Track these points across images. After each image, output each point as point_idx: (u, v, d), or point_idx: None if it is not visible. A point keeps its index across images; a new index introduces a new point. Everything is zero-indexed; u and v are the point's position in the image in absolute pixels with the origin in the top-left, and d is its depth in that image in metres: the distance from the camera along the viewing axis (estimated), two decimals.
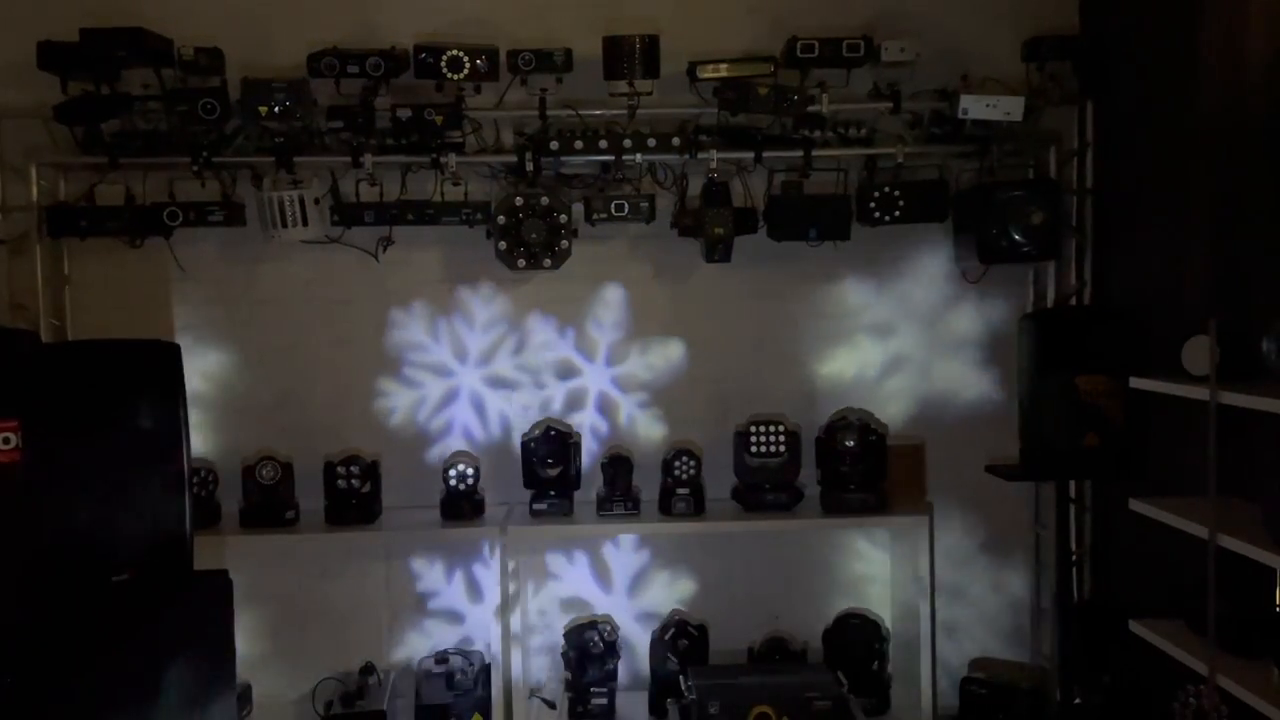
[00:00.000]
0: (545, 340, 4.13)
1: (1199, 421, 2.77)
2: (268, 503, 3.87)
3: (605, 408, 4.15)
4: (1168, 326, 3.31)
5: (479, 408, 4.13)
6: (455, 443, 4.12)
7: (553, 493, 3.91)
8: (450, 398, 4.13)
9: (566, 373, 4.14)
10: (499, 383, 4.13)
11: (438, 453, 4.10)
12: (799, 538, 4.16)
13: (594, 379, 4.14)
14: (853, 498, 3.88)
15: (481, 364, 4.12)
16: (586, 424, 4.14)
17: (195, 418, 2.99)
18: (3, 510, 2.19)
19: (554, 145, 3.78)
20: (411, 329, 4.10)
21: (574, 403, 4.14)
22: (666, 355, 4.14)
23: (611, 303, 4.12)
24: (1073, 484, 3.97)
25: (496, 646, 3.90)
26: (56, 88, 3.70)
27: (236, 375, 4.08)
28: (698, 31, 3.95)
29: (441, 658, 4.01)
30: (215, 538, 3.77)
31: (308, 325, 4.08)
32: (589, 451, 4.09)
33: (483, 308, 4.11)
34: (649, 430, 4.14)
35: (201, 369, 3.99)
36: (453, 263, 4.08)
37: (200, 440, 3.89)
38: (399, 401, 4.11)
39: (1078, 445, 3.59)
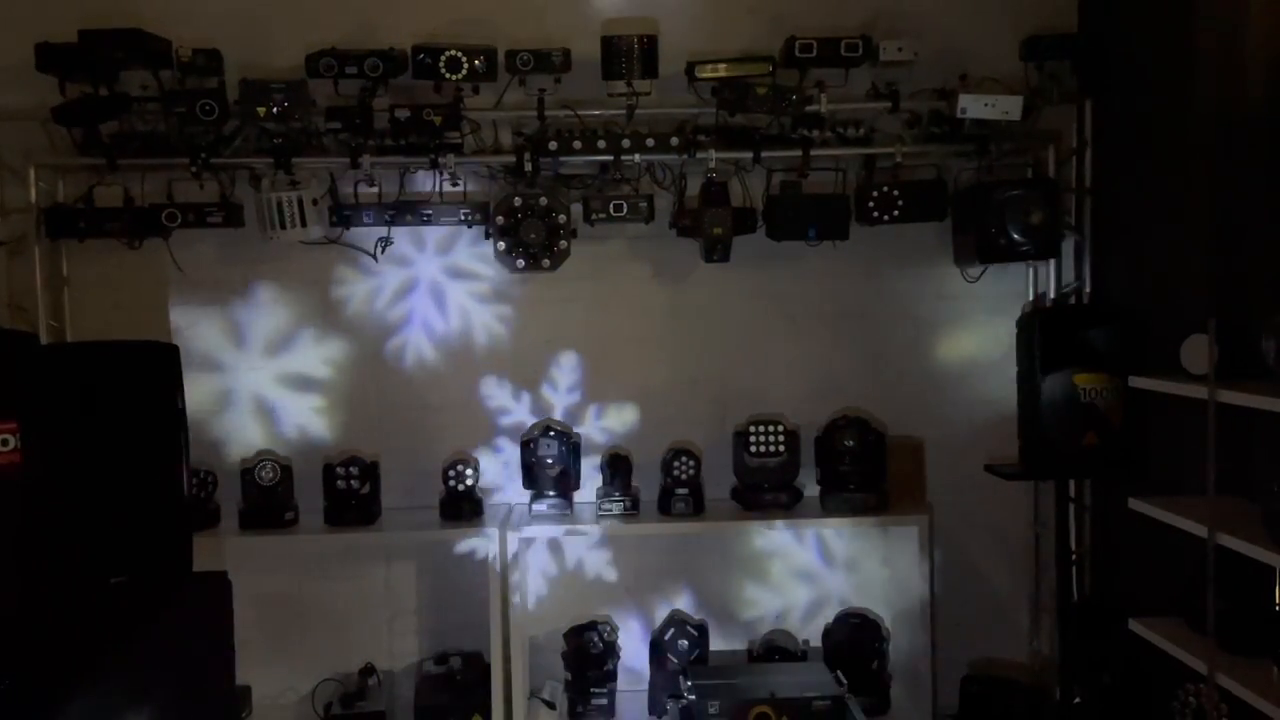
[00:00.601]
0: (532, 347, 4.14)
1: (1198, 420, 2.77)
2: (267, 504, 3.87)
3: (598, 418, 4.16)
4: (1167, 325, 3.30)
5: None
6: (457, 434, 4.13)
7: (552, 493, 3.91)
8: (454, 386, 4.14)
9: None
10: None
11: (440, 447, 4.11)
12: (798, 537, 4.16)
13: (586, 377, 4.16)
14: (852, 497, 3.89)
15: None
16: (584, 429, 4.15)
17: (193, 418, 2.97)
18: (2, 512, 2.19)
19: (552, 145, 3.77)
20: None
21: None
22: (664, 357, 4.13)
23: (608, 306, 4.12)
24: (1072, 483, 3.97)
25: (496, 647, 3.90)
26: (55, 89, 3.69)
27: (235, 376, 4.08)
28: (696, 31, 3.95)
29: (441, 658, 4.01)
30: (214, 539, 3.77)
31: (307, 326, 4.08)
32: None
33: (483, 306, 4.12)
34: (644, 438, 4.14)
35: (200, 370, 3.99)
36: (452, 262, 4.09)
37: (199, 441, 3.89)
38: (400, 396, 4.12)
39: (1077, 444, 3.59)
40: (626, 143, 3.77)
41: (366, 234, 3.97)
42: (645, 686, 4.01)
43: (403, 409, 4.11)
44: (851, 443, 3.90)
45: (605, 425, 4.15)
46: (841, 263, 4.06)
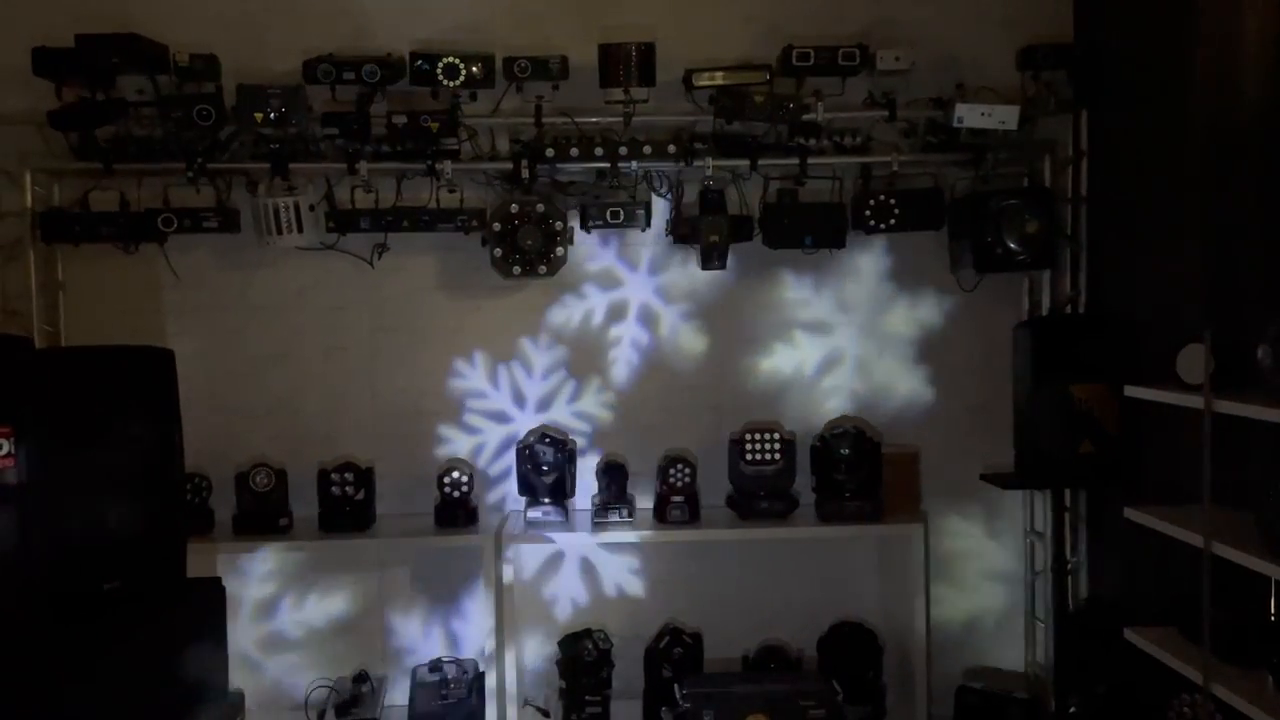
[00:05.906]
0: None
1: (1194, 430, 2.77)
2: (261, 510, 3.86)
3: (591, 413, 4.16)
4: (1162, 334, 3.31)
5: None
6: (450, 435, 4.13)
7: (547, 500, 3.90)
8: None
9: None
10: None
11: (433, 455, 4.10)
12: (794, 545, 4.15)
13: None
14: (848, 505, 3.88)
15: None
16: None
17: (188, 424, 2.96)
18: None
19: (550, 152, 3.78)
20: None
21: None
22: (660, 364, 4.13)
23: (604, 313, 4.12)
24: (1067, 492, 3.97)
25: (490, 654, 3.89)
26: (51, 93, 3.69)
27: (230, 382, 4.07)
28: (693, 39, 3.95)
29: (435, 665, 3.99)
30: (208, 545, 3.76)
31: (302, 332, 4.07)
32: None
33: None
34: (640, 446, 4.13)
35: (195, 375, 3.97)
36: (448, 269, 4.08)
37: (193, 447, 3.87)
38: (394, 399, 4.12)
39: (1073, 453, 3.59)
40: (623, 150, 3.78)
41: (363, 240, 3.97)
42: (639, 695, 4.00)
43: (398, 415, 4.10)
44: (847, 451, 3.90)
45: (601, 432, 4.14)
46: (837, 271, 4.07)
